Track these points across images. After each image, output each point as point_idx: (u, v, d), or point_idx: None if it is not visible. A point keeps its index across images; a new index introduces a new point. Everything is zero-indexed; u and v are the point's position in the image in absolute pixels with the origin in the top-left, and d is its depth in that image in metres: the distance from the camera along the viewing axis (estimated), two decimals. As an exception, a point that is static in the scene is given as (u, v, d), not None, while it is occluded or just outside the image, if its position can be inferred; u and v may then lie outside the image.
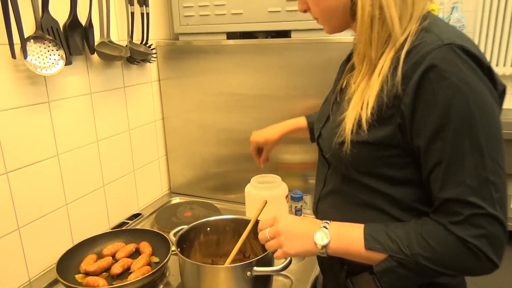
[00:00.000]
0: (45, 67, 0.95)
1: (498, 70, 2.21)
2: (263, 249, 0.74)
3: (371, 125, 0.60)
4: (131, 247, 1.07)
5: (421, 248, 0.57)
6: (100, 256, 1.04)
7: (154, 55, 1.35)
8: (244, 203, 1.23)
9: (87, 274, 0.97)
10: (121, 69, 1.26)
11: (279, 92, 1.24)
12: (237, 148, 1.36)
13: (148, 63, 1.35)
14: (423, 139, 0.57)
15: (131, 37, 1.24)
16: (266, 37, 1.27)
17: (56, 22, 0.98)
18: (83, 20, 1.07)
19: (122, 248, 1.06)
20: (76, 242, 1.07)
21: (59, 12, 1.00)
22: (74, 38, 1.04)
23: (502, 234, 0.55)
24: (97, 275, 0.97)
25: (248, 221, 0.89)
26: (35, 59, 0.93)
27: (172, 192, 1.54)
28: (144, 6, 1.25)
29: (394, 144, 0.60)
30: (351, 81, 0.67)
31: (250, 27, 1.24)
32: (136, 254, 1.06)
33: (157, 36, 1.40)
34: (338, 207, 0.72)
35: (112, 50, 1.15)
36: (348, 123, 0.63)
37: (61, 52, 0.98)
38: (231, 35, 1.29)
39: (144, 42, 1.29)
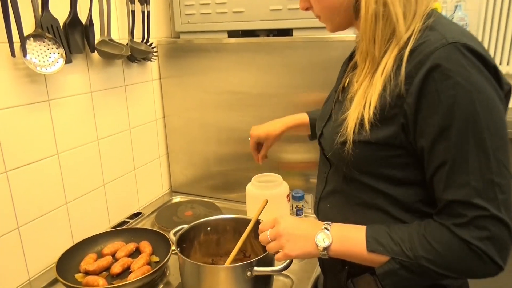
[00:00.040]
0: (44, 65, 0.95)
1: (502, 69, 2.20)
2: (264, 249, 0.73)
3: (374, 124, 0.59)
4: (131, 246, 1.07)
5: (424, 250, 0.56)
6: (100, 255, 1.04)
7: (155, 54, 1.34)
8: (245, 202, 1.22)
9: (87, 273, 0.97)
10: (122, 68, 1.25)
11: (280, 91, 1.23)
12: (238, 147, 1.35)
13: (149, 62, 1.34)
14: (426, 139, 0.56)
15: (132, 35, 1.23)
16: (268, 36, 1.26)
17: (56, 20, 0.97)
18: (83, 18, 1.06)
19: (122, 247, 1.06)
20: (76, 241, 1.07)
21: (59, 10, 0.99)
22: (74, 37, 1.04)
23: (507, 236, 0.54)
24: (97, 274, 0.97)
25: (248, 221, 0.89)
26: (35, 58, 0.93)
27: (173, 191, 1.54)
28: (145, 4, 1.24)
29: (397, 144, 0.59)
30: (354, 80, 0.66)
31: (252, 26, 1.23)
32: (136, 253, 1.06)
33: (158, 34, 1.39)
34: (339, 207, 0.71)
35: (112, 48, 1.14)
36: (350, 123, 0.62)
37: (61, 50, 0.97)
38: (232, 34, 1.28)
39: (145, 41, 1.28)
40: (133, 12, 1.21)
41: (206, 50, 1.30)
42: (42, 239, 1.03)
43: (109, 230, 1.14)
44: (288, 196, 1.19)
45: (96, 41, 1.11)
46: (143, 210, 1.37)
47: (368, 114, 0.59)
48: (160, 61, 1.40)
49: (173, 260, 1.01)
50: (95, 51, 1.11)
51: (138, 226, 1.27)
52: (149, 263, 1.00)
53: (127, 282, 0.89)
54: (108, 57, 1.15)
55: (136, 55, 1.25)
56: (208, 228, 0.98)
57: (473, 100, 0.52)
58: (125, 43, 1.20)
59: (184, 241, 0.92)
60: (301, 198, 1.25)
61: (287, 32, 1.20)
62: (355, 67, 0.70)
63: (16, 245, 0.97)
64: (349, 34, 1.08)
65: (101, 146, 1.20)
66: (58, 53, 0.97)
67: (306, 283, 0.96)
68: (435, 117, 0.54)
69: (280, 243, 0.67)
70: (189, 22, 1.32)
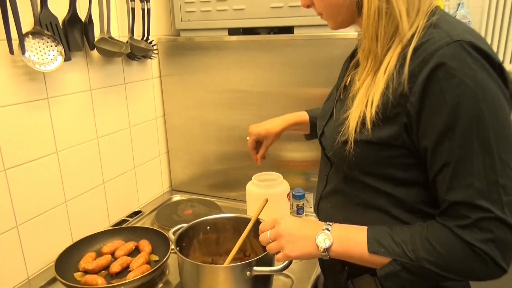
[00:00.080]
0: (43, 63, 0.94)
1: (505, 67, 2.18)
2: (264, 248, 0.73)
3: (376, 124, 0.58)
4: (131, 245, 1.06)
5: (426, 252, 0.56)
6: (99, 254, 1.03)
7: (155, 51, 1.33)
8: (245, 201, 1.22)
9: (86, 272, 0.97)
10: (122, 66, 1.24)
11: (281, 89, 1.23)
12: (239, 146, 1.35)
13: (149, 60, 1.34)
14: (430, 139, 0.55)
15: (132, 33, 1.22)
16: (269, 33, 1.25)
17: (55, 17, 0.97)
18: (82, 15, 1.05)
19: (121, 246, 1.05)
20: (75, 240, 1.06)
21: (58, 8, 0.98)
22: (73, 34, 1.03)
23: (510, 238, 0.53)
24: (96, 273, 0.96)
25: (248, 220, 0.88)
26: (34, 55, 0.92)
27: (173, 190, 1.54)
28: (145, 2, 1.23)
29: (399, 144, 0.58)
30: (356, 78, 0.65)
31: (252, 23, 1.22)
32: (135, 252, 1.05)
33: (158, 32, 1.39)
34: (340, 207, 0.71)
35: (112, 46, 1.13)
36: (352, 122, 0.61)
37: (60, 48, 0.96)
38: (233, 31, 1.27)
39: (145, 38, 1.27)
40: (133, 9, 1.20)
41: (206, 48, 1.29)
42: (41, 238, 1.03)
43: (108, 228, 1.13)
44: (288, 195, 1.18)
45: (96, 39, 1.10)
46: (143, 208, 1.37)
47: (370, 113, 0.58)
48: (160, 59, 1.39)
49: (173, 259, 1.00)
50: (95, 48, 1.10)
51: (138, 224, 1.26)
52: (148, 262, 1.00)
53: (126, 281, 0.89)
54: (108, 55, 1.15)
55: (136, 52, 1.24)
56: (208, 227, 0.97)
57: (478, 99, 0.51)
58: (125, 41, 1.19)
59: (183, 240, 0.91)
60: (301, 197, 1.24)
61: (288, 29, 1.19)
62: (357, 65, 0.69)
63: (15, 244, 0.96)
64: (350, 32, 1.07)
65: (100, 144, 1.19)
66: (57, 51, 0.96)
67: (306, 283, 0.95)
68: (439, 117, 0.53)
69: (281, 243, 0.66)
70: (190, 19, 1.31)
